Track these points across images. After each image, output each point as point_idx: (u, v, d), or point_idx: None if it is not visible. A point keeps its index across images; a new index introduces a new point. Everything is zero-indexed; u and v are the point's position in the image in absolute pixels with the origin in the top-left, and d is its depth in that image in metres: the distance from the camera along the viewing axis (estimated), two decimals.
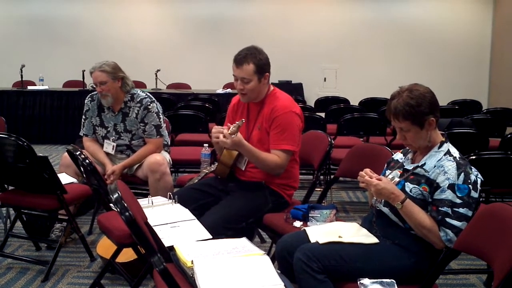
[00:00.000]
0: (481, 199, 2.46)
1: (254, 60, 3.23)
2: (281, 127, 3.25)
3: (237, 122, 3.14)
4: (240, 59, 3.24)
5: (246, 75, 3.24)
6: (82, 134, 4.41)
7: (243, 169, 3.38)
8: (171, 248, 2.40)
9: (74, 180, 4.03)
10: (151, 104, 4.21)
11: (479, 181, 2.40)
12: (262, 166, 3.26)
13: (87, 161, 3.46)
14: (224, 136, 3.10)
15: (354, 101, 8.52)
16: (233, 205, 3.21)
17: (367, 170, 2.51)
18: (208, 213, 3.14)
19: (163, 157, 4.15)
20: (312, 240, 2.53)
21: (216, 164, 3.54)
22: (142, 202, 3.03)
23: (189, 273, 2.14)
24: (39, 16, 11.50)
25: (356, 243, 2.48)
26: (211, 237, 2.60)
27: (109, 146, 4.27)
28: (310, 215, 3.01)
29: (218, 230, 2.91)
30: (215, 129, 3.26)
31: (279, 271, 2.12)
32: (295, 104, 3.39)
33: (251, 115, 3.43)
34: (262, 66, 3.26)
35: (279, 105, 3.30)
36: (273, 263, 2.20)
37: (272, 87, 3.44)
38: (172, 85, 10.18)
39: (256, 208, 3.26)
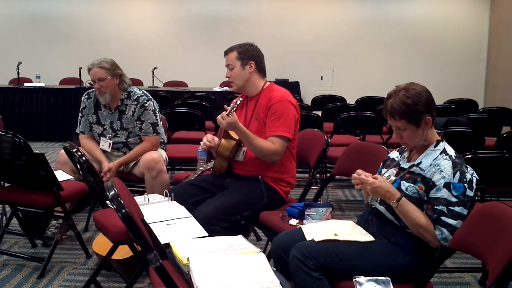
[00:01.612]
0: (476, 198, 2.47)
1: (238, 48, 3.45)
2: (276, 114, 3.30)
3: (234, 100, 3.25)
4: (227, 50, 3.49)
5: (230, 62, 3.45)
6: (78, 132, 4.40)
7: (242, 160, 3.40)
8: (167, 245, 2.41)
9: (70, 177, 4.03)
10: (147, 102, 4.21)
11: (474, 180, 2.41)
12: (257, 151, 3.28)
13: (83, 158, 3.46)
14: (222, 118, 3.17)
15: (351, 100, 8.53)
16: (228, 198, 3.24)
17: (359, 171, 2.52)
18: (203, 204, 3.17)
19: (160, 155, 4.15)
20: (308, 238, 2.54)
21: (213, 161, 3.56)
22: (139, 199, 3.03)
23: (185, 270, 2.15)
24: (36, 14, 11.46)
25: (352, 241, 2.49)
26: (207, 234, 2.61)
27: (105, 144, 4.27)
28: (306, 213, 3.02)
29: (212, 221, 2.95)
30: (206, 138, 3.43)
31: (274, 269, 2.12)
32: (291, 95, 3.46)
33: (249, 109, 3.48)
34: (245, 53, 3.43)
35: (275, 95, 3.38)
36: (269, 260, 2.21)
37: (268, 83, 3.52)
38: (169, 83, 10.18)
39: (251, 201, 3.27)
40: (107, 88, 4.13)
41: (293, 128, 3.35)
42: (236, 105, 3.21)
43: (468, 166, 2.45)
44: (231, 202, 3.20)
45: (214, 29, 11.45)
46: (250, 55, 3.43)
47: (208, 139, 3.44)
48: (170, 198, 3.16)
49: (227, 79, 3.49)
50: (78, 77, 9.27)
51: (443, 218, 2.35)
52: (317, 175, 5.57)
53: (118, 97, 4.21)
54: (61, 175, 3.93)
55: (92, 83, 4.20)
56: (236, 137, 3.34)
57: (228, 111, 3.15)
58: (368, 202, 2.67)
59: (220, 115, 3.18)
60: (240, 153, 3.41)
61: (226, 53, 3.47)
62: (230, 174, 3.46)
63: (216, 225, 2.96)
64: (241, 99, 3.36)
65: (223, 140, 3.41)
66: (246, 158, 3.39)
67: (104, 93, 4.14)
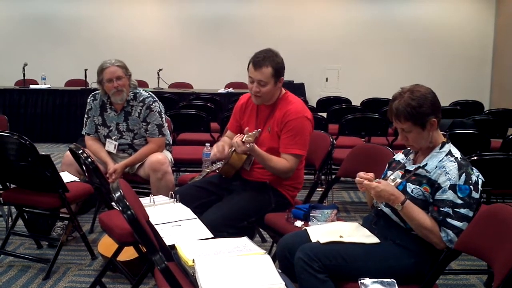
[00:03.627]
0: (482, 200, 2.47)
1: (272, 63, 3.23)
2: (293, 132, 3.26)
3: (253, 132, 3.12)
4: (258, 62, 3.23)
5: (264, 78, 3.23)
6: (84, 133, 4.41)
7: (248, 169, 3.39)
8: (173, 247, 2.41)
9: (76, 178, 4.04)
10: (153, 104, 4.22)
11: (480, 181, 2.41)
12: (272, 170, 3.27)
13: (89, 159, 3.47)
14: (238, 144, 3.11)
15: (356, 101, 8.52)
16: (236, 203, 3.22)
17: (361, 174, 2.52)
18: (210, 210, 3.16)
19: (165, 156, 4.16)
20: (313, 239, 2.54)
21: (219, 163, 3.55)
22: (144, 201, 3.03)
23: (190, 272, 2.15)
24: (42, 15, 11.51)
25: (357, 243, 2.48)
26: (212, 236, 2.61)
27: (111, 145, 4.28)
28: (311, 214, 3.02)
29: (219, 228, 2.94)
30: (217, 148, 3.33)
31: (280, 271, 2.12)
32: (306, 109, 3.39)
33: (261, 117, 3.43)
34: (279, 69, 3.26)
35: (292, 109, 3.30)
36: (274, 262, 2.21)
37: (284, 90, 3.43)
38: (174, 85, 10.20)
39: (259, 207, 3.27)
40: (124, 86, 4.13)
41: (308, 144, 3.34)
42: (255, 137, 3.10)
43: (474, 168, 2.44)
44: (239, 209, 3.19)
45: (218, 30, 11.47)
46: (282, 70, 3.28)
47: (219, 149, 3.33)
48: (175, 199, 3.16)
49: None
50: (84, 79, 9.28)
51: (448, 220, 2.34)
52: (322, 177, 5.57)
53: (125, 98, 4.21)
54: (67, 177, 3.94)
55: (106, 81, 4.12)
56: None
57: (245, 138, 3.07)
58: (373, 204, 2.67)
59: (236, 140, 3.12)
60: (248, 162, 3.39)
61: (258, 65, 3.22)
62: (238, 177, 3.45)
63: (223, 231, 2.94)
64: (260, 129, 3.22)
65: (234, 154, 3.37)
66: (252, 166, 3.39)
67: (121, 92, 4.13)
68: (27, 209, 4.03)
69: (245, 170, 3.41)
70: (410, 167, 2.56)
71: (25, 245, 4.22)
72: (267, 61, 3.22)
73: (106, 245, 3.61)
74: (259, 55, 3.26)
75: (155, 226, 2.56)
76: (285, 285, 1.98)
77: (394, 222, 2.51)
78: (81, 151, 3.51)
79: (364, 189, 2.49)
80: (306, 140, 3.31)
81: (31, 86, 9.47)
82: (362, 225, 2.70)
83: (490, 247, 2.18)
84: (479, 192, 2.39)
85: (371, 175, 2.50)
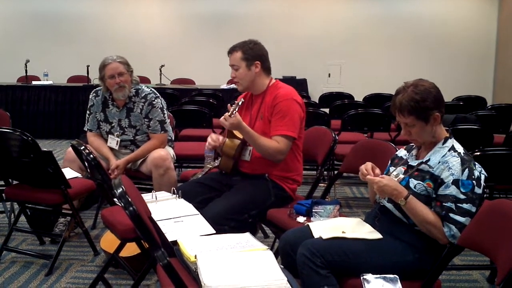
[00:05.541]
0: (485, 195, 2.46)
1: (242, 48, 3.39)
2: (281, 113, 3.29)
3: (236, 101, 3.21)
4: (231, 49, 3.43)
5: (235, 62, 3.40)
6: (86, 129, 4.41)
7: (249, 160, 3.39)
8: (175, 243, 2.41)
9: (78, 174, 4.04)
10: (155, 100, 4.22)
11: (483, 177, 2.40)
12: (262, 151, 3.27)
13: (91, 156, 3.47)
14: (225, 119, 3.17)
15: (358, 97, 8.51)
16: (236, 197, 3.23)
17: (368, 164, 2.51)
18: (211, 204, 3.17)
19: (167, 152, 4.16)
20: (316, 235, 2.53)
21: (220, 159, 3.55)
22: (146, 197, 3.03)
23: (192, 267, 2.14)
24: (44, 12, 11.50)
25: (360, 239, 2.48)
26: (214, 232, 2.61)
27: (113, 141, 4.28)
28: (313, 210, 3.01)
29: (221, 221, 2.95)
30: (211, 137, 3.42)
31: (282, 266, 2.11)
32: (296, 93, 3.44)
33: (254, 108, 3.47)
34: (250, 53, 3.37)
35: (281, 92, 3.36)
36: (276, 258, 2.20)
37: (274, 80, 3.49)
38: (176, 81, 10.19)
39: (258, 200, 3.27)
40: (126, 82, 4.13)
41: (298, 127, 3.34)
42: (238, 106, 3.17)
43: (477, 163, 2.44)
44: (239, 202, 3.19)
45: (221, 26, 11.45)
46: (255, 54, 3.38)
47: (213, 138, 3.42)
48: (177, 195, 3.16)
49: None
50: (86, 75, 9.29)
51: (451, 215, 2.34)
52: (325, 173, 5.56)
53: (127, 94, 4.21)
54: (69, 173, 3.95)
55: (108, 78, 4.11)
56: (240, 136, 3.34)
57: (230, 112, 3.14)
58: (376, 200, 2.67)
59: (223, 116, 3.17)
60: (246, 152, 3.40)
61: (230, 52, 3.42)
62: (237, 172, 3.45)
63: (224, 225, 2.95)
64: (243, 99, 3.31)
65: (227, 140, 3.40)
66: (252, 157, 3.38)
67: (124, 88, 4.13)
68: (30, 205, 4.04)
69: (244, 162, 3.41)
70: (413, 163, 2.55)
71: (27, 241, 4.23)
72: (237, 47, 3.41)
73: (108, 241, 3.61)
74: (234, 45, 3.44)
75: (157, 222, 2.56)
76: (288, 280, 1.98)
77: (397, 217, 2.50)
78: (83, 147, 3.50)
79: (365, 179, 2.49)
80: (296, 122, 3.32)
81: (34, 82, 9.47)
82: (364, 220, 2.69)
83: (493, 243, 2.17)
84: (482, 187, 2.39)
85: (377, 171, 2.50)
